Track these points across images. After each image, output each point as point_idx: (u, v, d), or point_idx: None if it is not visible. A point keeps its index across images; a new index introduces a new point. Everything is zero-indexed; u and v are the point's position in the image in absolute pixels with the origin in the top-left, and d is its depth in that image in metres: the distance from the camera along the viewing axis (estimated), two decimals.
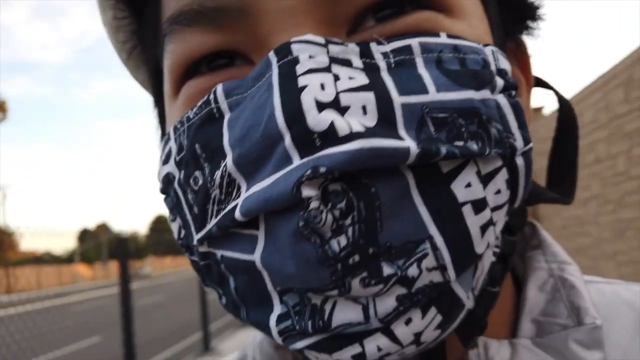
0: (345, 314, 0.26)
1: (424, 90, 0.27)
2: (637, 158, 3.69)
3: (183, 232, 0.32)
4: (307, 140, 0.24)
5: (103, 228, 67.32)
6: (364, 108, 0.25)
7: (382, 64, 0.27)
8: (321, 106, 0.25)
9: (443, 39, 0.29)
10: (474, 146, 0.26)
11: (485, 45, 0.30)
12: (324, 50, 0.27)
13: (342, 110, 0.25)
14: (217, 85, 0.30)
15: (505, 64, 0.30)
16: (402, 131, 0.26)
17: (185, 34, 0.31)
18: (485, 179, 0.27)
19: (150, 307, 14.32)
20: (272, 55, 0.27)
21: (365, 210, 0.25)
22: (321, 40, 0.27)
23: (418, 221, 0.26)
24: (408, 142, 0.25)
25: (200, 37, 0.31)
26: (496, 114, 0.28)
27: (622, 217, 4.17)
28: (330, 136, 0.24)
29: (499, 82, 0.29)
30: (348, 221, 0.25)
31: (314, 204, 0.24)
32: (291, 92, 0.25)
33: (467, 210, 0.26)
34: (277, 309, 0.28)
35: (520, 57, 0.39)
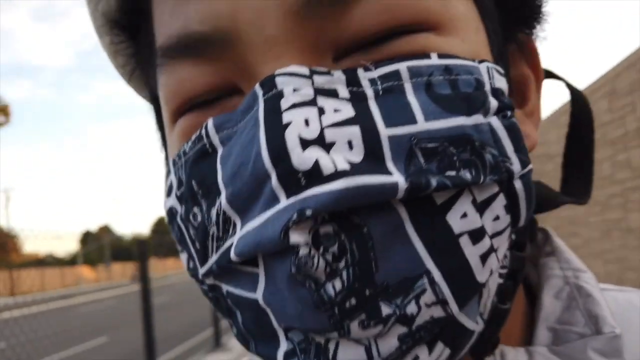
0: (349, 354, 0.26)
1: (412, 120, 0.26)
2: (620, 163, 3.91)
3: (191, 263, 0.32)
4: (293, 180, 0.24)
5: (105, 230, 67.24)
6: (349, 143, 0.25)
7: (369, 91, 0.27)
8: (305, 143, 0.24)
9: (434, 60, 0.28)
10: (467, 175, 0.25)
11: (481, 61, 0.29)
12: (309, 81, 0.26)
13: (327, 147, 0.24)
14: (207, 120, 0.30)
15: (501, 83, 0.29)
16: (390, 165, 0.25)
17: (175, 66, 0.31)
18: (482, 207, 0.26)
19: (157, 307, 14.47)
20: (257, 88, 0.27)
21: (359, 252, 0.24)
22: (305, 71, 0.27)
23: (414, 256, 0.25)
24: (396, 177, 0.24)
25: (189, 70, 0.30)
26: (490, 139, 0.27)
27: (608, 218, 4.40)
28: (315, 175, 0.24)
29: (493, 103, 0.28)
30: (342, 264, 0.24)
31: (303, 250, 0.23)
32: (276, 129, 0.25)
33: (464, 241, 0.26)
34: (284, 345, 0.28)
35: (527, 52, 0.37)
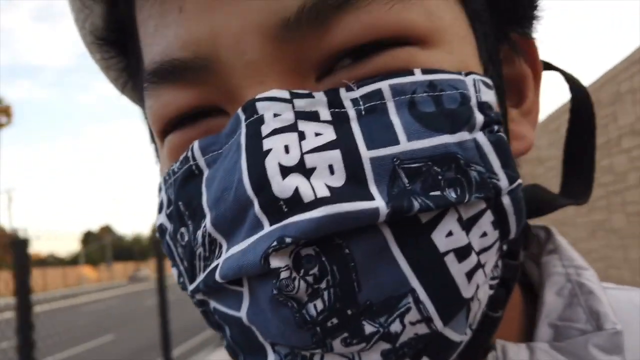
0: None
1: (395, 141, 0.25)
2: (603, 168, 4.15)
3: (181, 279, 0.32)
4: (275, 207, 0.24)
5: (106, 230, 67.25)
6: (330, 168, 0.25)
7: (351, 112, 0.26)
8: (285, 171, 0.24)
9: (417, 76, 0.27)
10: (452, 194, 0.25)
11: (467, 73, 0.29)
12: (289, 106, 0.26)
13: (308, 173, 0.24)
14: (194, 142, 0.30)
15: (488, 96, 0.29)
16: (372, 187, 0.25)
17: (159, 90, 0.31)
18: (468, 224, 0.26)
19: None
20: (240, 112, 0.27)
21: (340, 274, 0.24)
22: (286, 94, 0.27)
23: (399, 275, 0.25)
24: (377, 202, 0.24)
25: (172, 94, 0.30)
26: (476, 155, 0.27)
27: (594, 219, 4.68)
28: (296, 203, 0.24)
29: (479, 118, 0.27)
30: (323, 285, 0.24)
31: (284, 274, 0.23)
32: (257, 156, 0.25)
33: (450, 260, 0.25)
34: (271, 358, 0.28)
35: (524, 47, 0.36)
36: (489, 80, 0.30)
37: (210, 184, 0.28)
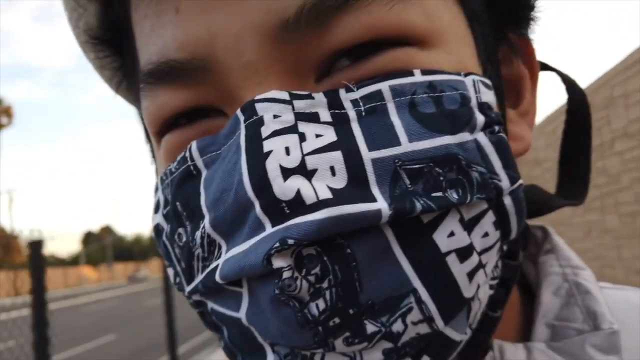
0: None
1: (396, 142, 0.25)
2: (598, 170, 4.21)
3: (177, 279, 0.32)
4: (276, 209, 0.24)
5: (107, 230, 67.26)
6: (332, 169, 0.25)
7: (351, 113, 0.26)
8: (287, 172, 0.24)
9: (417, 77, 0.27)
10: (453, 195, 0.25)
11: (467, 74, 0.29)
12: (289, 107, 0.26)
13: (309, 174, 0.24)
14: (192, 143, 0.30)
15: (487, 96, 0.29)
16: (374, 189, 0.25)
17: (155, 91, 0.31)
18: (470, 225, 0.26)
19: (159, 308, 14.73)
20: (239, 113, 0.27)
21: (342, 273, 0.24)
22: (285, 96, 0.26)
23: (400, 275, 0.25)
24: (380, 203, 0.24)
25: (169, 95, 0.30)
26: (477, 156, 0.27)
27: (589, 220, 4.77)
28: (298, 205, 0.24)
29: (480, 119, 0.27)
30: (325, 284, 0.24)
31: (286, 274, 0.23)
32: (257, 157, 0.25)
33: (451, 260, 0.25)
34: (271, 358, 0.28)
35: (522, 48, 0.36)
36: (488, 81, 0.30)
37: (208, 184, 0.28)
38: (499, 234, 0.28)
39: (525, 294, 0.38)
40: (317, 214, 0.24)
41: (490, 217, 0.27)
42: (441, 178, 0.25)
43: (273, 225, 0.24)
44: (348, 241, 0.24)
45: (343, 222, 0.24)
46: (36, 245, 2.46)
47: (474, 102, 0.28)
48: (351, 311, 0.25)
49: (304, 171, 0.24)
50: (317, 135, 0.26)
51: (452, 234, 0.26)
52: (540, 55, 0.38)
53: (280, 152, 0.25)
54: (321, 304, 0.24)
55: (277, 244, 0.24)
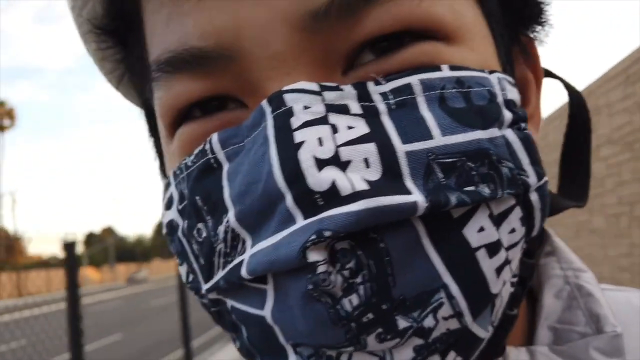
0: None
1: (428, 135, 0.25)
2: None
3: (191, 276, 0.31)
4: (309, 200, 0.24)
5: (108, 231, 67.34)
6: (366, 161, 0.24)
7: (381, 106, 0.26)
8: (321, 163, 0.24)
9: (445, 72, 0.27)
10: (485, 190, 0.25)
11: (491, 72, 0.29)
12: (319, 98, 0.26)
13: (343, 166, 0.24)
14: (212, 135, 0.29)
15: (512, 94, 0.29)
16: (408, 182, 0.25)
17: (172, 80, 0.30)
18: (499, 220, 0.26)
19: (161, 309, 14.71)
20: (265, 104, 0.26)
21: (376, 268, 0.24)
22: (315, 87, 0.26)
23: (431, 271, 0.25)
24: (415, 196, 0.24)
25: (186, 84, 0.29)
26: (506, 152, 0.27)
27: (578, 220, 5.02)
28: (333, 196, 0.23)
29: (507, 115, 0.28)
30: (359, 279, 0.24)
31: (321, 268, 0.23)
32: (288, 149, 0.24)
33: (481, 255, 0.25)
34: (292, 359, 0.28)
35: (528, 54, 0.37)
36: (511, 79, 0.30)
37: (233, 177, 0.28)
38: (524, 231, 0.28)
39: (528, 297, 0.38)
40: (353, 205, 0.23)
41: (517, 213, 0.27)
42: (473, 172, 0.25)
43: (305, 218, 0.24)
44: (381, 235, 0.24)
45: (380, 214, 0.23)
46: (70, 246, 2.71)
47: (500, 99, 0.28)
48: (384, 307, 0.24)
49: (338, 162, 0.24)
50: (349, 127, 0.25)
51: (482, 229, 0.26)
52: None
53: (313, 142, 0.24)
54: (355, 299, 0.24)
55: (314, 237, 0.23)
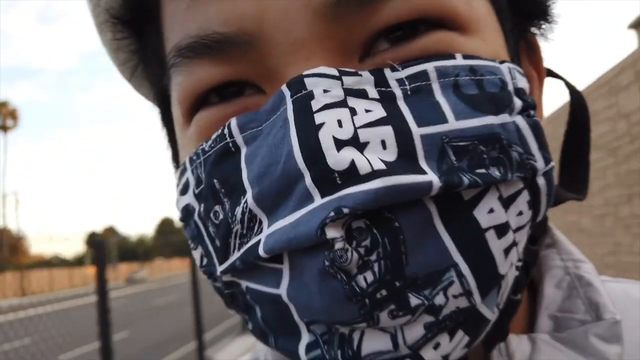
0: (374, 343, 0.26)
1: (443, 120, 0.26)
2: None
3: (205, 260, 0.32)
4: (328, 179, 0.24)
5: (110, 231, 67.25)
6: (383, 143, 0.25)
7: (397, 91, 0.27)
8: (340, 144, 0.25)
9: (459, 60, 0.28)
10: (496, 173, 0.26)
11: (502, 62, 0.30)
12: (338, 82, 0.27)
13: (361, 147, 0.25)
14: (230, 120, 0.30)
15: (522, 83, 0.30)
16: (423, 163, 0.26)
17: (192, 66, 0.31)
18: (507, 202, 0.27)
19: (163, 307, 15.05)
20: (285, 88, 0.27)
21: (390, 246, 0.25)
22: (334, 72, 0.27)
23: (442, 250, 0.25)
24: (430, 176, 0.25)
25: (207, 69, 0.30)
26: (516, 137, 0.28)
27: (568, 220, 5.30)
28: (352, 175, 0.24)
29: (517, 103, 0.29)
30: (373, 257, 0.24)
31: (338, 245, 0.24)
32: (308, 130, 0.25)
33: (490, 236, 0.26)
34: (306, 338, 0.28)
35: (531, 51, 0.38)
36: (521, 69, 0.31)
37: (251, 160, 0.28)
38: (531, 214, 0.29)
39: (529, 287, 0.39)
40: (371, 183, 0.24)
41: (525, 196, 0.28)
42: (484, 156, 0.27)
43: (323, 196, 0.25)
44: (395, 215, 0.25)
45: (397, 193, 0.24)
46: (99, 245, 2.99)
47: (511, 87, 0.29)
48: (397, 284, 0.25)
49: (356, 143, 0.25)
50: (367, 111, 0.26)
51: (491, 210, 0.27)
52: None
53: (332, 124, 0.25)
54: (369, 276, 0.25)
55: (332, 213, 0.24)
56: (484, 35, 0.31)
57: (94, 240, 3.06)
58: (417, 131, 0.26)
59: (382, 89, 0.27)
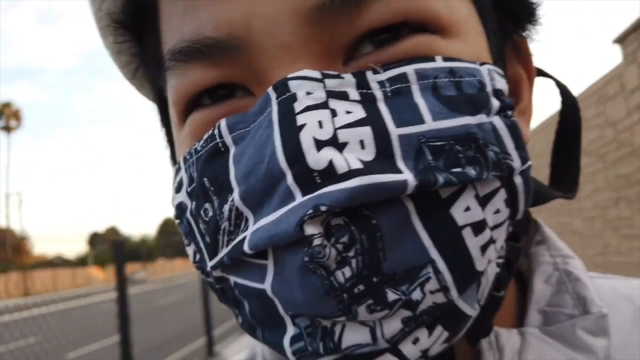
0: (354, 335, 0.27)
1: (420, 120, 0.27)
2: None
3: (197, 256, 0.33)
4: (308, 178, 0.25)
5: (112, 231, 67.08)
6: (361, 143, 0.26)
7: (378, 93, 0.28)
8: (320, 144, 0.25)
9: (439, 62, 0.29)
10: (471, 172, 0.27)
11: (482, 63, 0.30)
12: (321, 85, 0.27)
13: (341, 147, 0.26)
14: (220, 120, 0.31)
15: (501, 84, 0.31)
16: (400, 163, 0.26)
17: (185, 69, 0.32)
18: (484, 201, 0.28)
19: (165, 307, 15.05)
20: (271, 91, 0.28)
21: (368, 242, 0.25)
22: (317, 75, 0.28)
23: (420, 247, 0.26)
24: (406, 175, 0.25)
25: (199, 72, 0.31)
26: (492, 137, 0.28)
27: (560, 222, 5.46)
28: (330, 174, 0.25)
29: (495, 103, 0.29)
30: (351, 253, 0.25)
31: (317, 241, 0.25)
32: (290, 131, 0.26)
33: (466, 233, 0.27)
34: (290, 331, 0.29)
35: (521, 52, 0.39)
36: (500, 71, 0.32)
37: (239, 159, 0.29)
38: (508, 212, 0.29)
39: (519, 283, 0.40)
40: (348, 182, 0.25)
41: (502, 194, 0.29)
42: (460, 155, 0.27)
43: (303, 195, 0.25)
44: (373, 213, 0.26)
45: (373, 191, 0.25)
46: (120, 244, 3.16)
47: (489, 89, 0.30)
48: (375, 279, 0.26)
49: (336, 143, 0.26)
50: (347, 112, 0.27)
51: (468, 208, 0.27)
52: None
53: (313, 125, 0.26)
54: (347, 271, 0.25)
55: (310, 211, 0.24)
56: (466, 38, 0.32)
57: (115, 240, 3.20)
58: (395, 131, 0.27)
59: (364, 90, 0.28)
